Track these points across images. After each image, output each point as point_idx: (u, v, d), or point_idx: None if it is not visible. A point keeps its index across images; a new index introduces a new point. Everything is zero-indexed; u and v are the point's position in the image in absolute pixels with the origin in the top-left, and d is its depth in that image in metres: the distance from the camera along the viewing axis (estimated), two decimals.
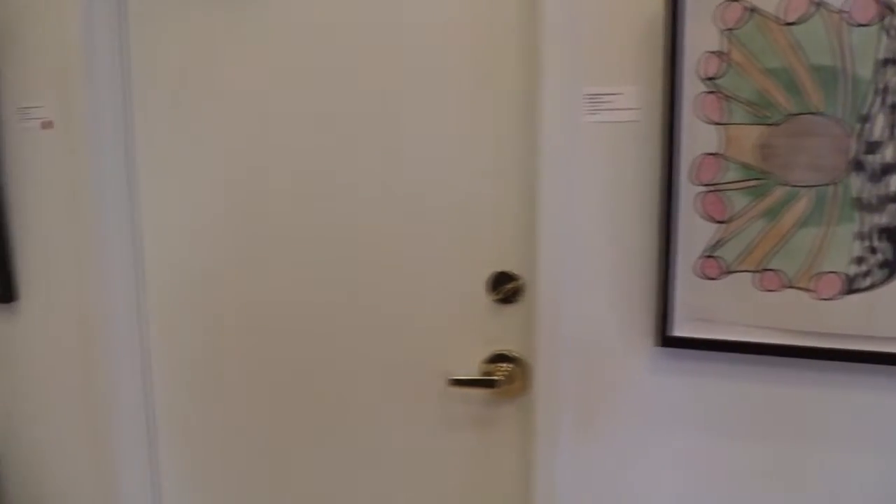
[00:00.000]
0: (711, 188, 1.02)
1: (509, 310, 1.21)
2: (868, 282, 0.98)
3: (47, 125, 1.43)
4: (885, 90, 0.93)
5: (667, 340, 1.06)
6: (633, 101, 1.06)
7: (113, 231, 1.43)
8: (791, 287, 1.00)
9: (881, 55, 0.93)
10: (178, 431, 1.49)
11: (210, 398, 1.45)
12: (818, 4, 0.94)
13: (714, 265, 1.03)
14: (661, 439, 1.10)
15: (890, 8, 0.92)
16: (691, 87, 1.01)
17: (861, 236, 0.97)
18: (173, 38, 1.37)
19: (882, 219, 0.96)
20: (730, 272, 1.03)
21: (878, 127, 0.94)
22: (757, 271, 1.02)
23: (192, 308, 1.43)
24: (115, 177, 1.42)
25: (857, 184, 0.96)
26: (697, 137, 1.01)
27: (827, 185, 0.97)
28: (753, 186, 1.00)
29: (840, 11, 0.93)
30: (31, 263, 1.50)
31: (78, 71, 1.36)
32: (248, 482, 1.45)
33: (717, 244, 1.03)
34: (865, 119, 0.95)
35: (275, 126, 1.31)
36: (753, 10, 0.97)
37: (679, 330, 1.06)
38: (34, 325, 1.53)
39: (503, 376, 1.19)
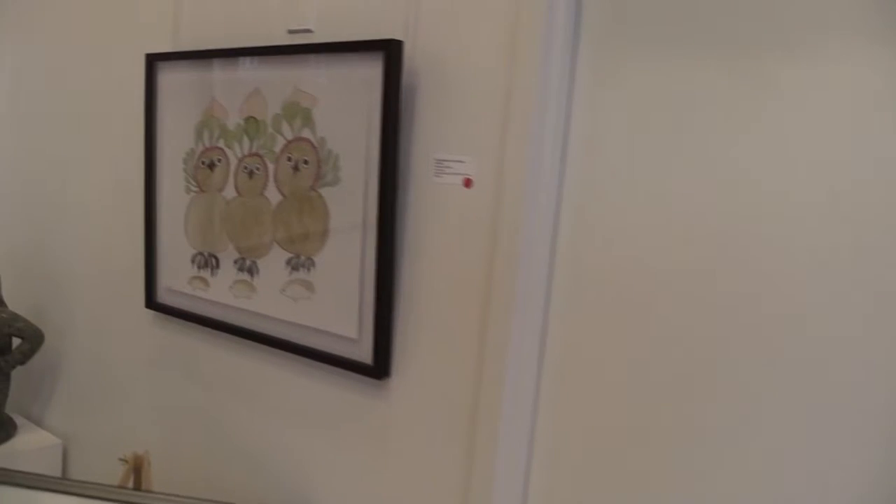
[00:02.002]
0: None
1: None
2: None
3: (468, 183, 1.23)
4: None
5: None
6: None
7: (527, 316, 1.20)
8: None
9: None
10: None
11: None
12: None
13: None
14: None
15: None
16: None
17: None
18: (627, 99, 1.14)
19: None
20: None
21: None
22: None
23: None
24: (538, 255, 1.20)
25: None
26: None
27: None
28: None
29: None
30: (409, 336, 1.30)
31: (520, 130, 1.15)
32: None
33: None
34: None
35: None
36: None
37: None
38: (406, 404, 1.31)
39: None
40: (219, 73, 1.50)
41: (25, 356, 1.90)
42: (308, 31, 1.42)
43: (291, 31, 1.44)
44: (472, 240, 1.22)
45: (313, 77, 1.34)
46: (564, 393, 1.22)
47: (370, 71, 1.25)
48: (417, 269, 1.29)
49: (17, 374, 1.95)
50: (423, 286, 1.28)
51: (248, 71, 1.44)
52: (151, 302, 1.71)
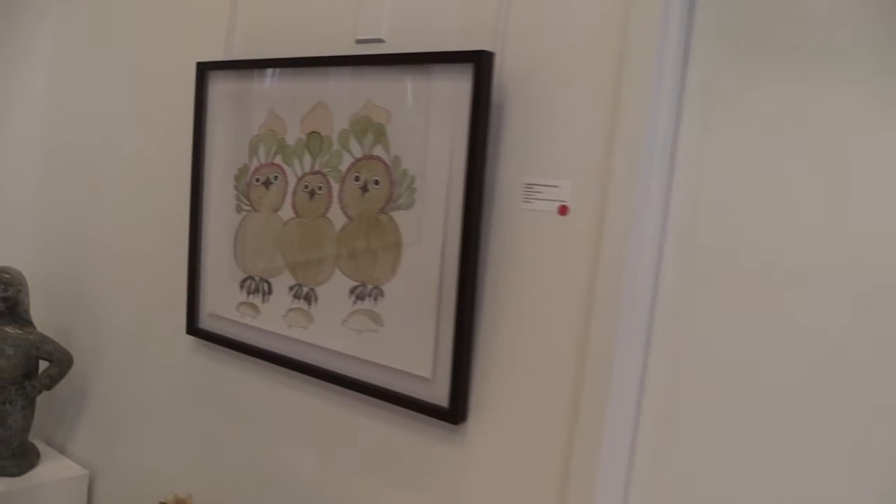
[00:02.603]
0: None
1: None
2: None
3: (564, 210, 1.11)
4: None
5: None
6: None
7: (628, 355, 1.08)
8: None
9: None
10: None
11: None
12: None
13: None
14: None
15: None
16: None
17: None
18: (738, 118, 1.02)
19: None
20: None
21: None
22: None
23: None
24: (642, 288, 1.08)
25: None
26: None
27: None
28: None
29: None
30: (489, 377, 1.18)
31: (629, 151, 1.04)
32: None
33: None
34: None
35: None
36: None
37: None
38: (485, 451, 1.19)
39: None
40: (277, 84, 1.39)
41: (53, 381, 1.78)
42: (379, 40, 1.31)
43: (360, 41, 1.33)
44: (568, 272, 1.10)
45: (388, 90, 1.23)
46: (666, 436, 1.09)
47: (456, 85, 1.14)
48: (502, 303, 1.16)
49: (41, 397, 1.83)
50: (507, 322, 1.16)
51: (311, 82, 1.33)
52: (193, 328, 1.59)
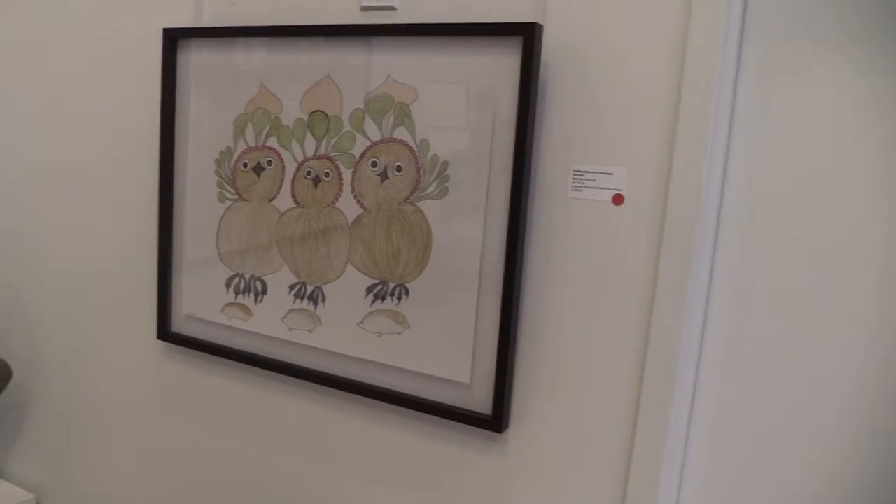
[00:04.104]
0: None
1: None
2: None
3: (619, 199, 1.02)
4: None
5: None
6: None
7: (689, 356, 1.01)
8: None
9: None
10: None
11: None
12: None
13: None
14: None
15: None
16: None
17: None
18: (797, 102, 0.97)
19: None
20: None
21: None
22: None
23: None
24: (702, 281, 1.01)
25: None
26: None
27: None
28: None
29: None
30: (533, 381, 1.09)
31: (696, 136, 0.96)
32: None
33: None
34: None
35: None
36: None
37: None
38: (528, 460, 1.10)
39: None
40: (268, 55, 1.22)
41: None
42: (389, 8, 1.16)
43: (366, 8, 1.19)
44: (623, 265, 1.02)
45: (414, 65, 1.09)
46: (719, 436, 1.04)
47: (499, 61, 1.02)
48: (546, 300, 1.07)
49: None
50: (553, 320, 1.07)
51: (314, 54, 1.18)
52: (165, 332, 1.40)
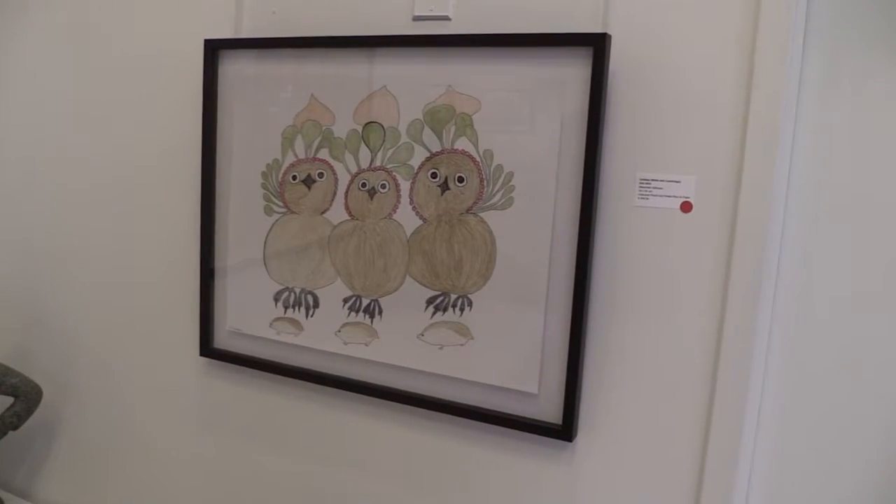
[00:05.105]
0: None
1: None
2: None
3: (688, 207, 1.03)
4: None
5: None
6: None
7: (758, 364, 1.02)
8: None
9: None
10: None
11: None
12: None
13: None
14: None
15: None
16: None
17: None
18: (861, 105, 0.98)
19: None
20: None
21: None
22: None
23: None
24: (768, 287, 1.02)
25: None
26: None
27: None
28: None
29: None
30: (601, 389, 1.09)
31: (767, 142, 0.97)
32: None
33: None
34: None
35: None
36: None
37: None
38: (598, 469, 1.10)
39: None
40: (319, 66, 1.21)
41: (20, 419, 1.51)
42: (444, 18, 1.16)
43: (418, 18, 1.18)
44: (693, 273, 1.03)
45: (476, 76, 1.09)
46: (786, 450, 1.05)
47: (566, 70, 1.02)
48: (613, 308, 1.07)
49: None
50: (620, 328, 1.07)
51: (368, 65, 1.17)
52: (208, 348, 1.38)
